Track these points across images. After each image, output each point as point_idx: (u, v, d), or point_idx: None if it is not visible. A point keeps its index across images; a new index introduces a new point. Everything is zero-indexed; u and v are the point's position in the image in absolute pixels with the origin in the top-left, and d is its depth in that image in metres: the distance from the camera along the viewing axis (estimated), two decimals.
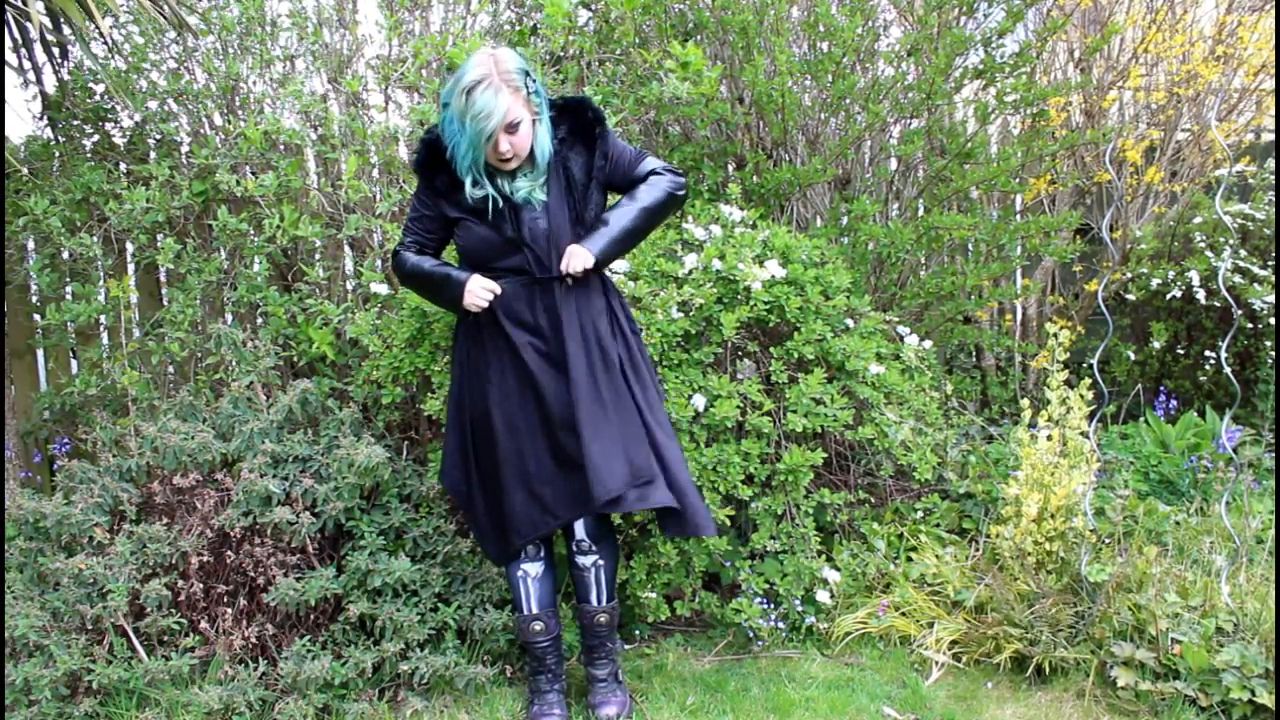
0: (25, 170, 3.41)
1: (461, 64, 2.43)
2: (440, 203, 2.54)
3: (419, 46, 3.38)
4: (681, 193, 2.59)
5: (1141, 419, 4.23)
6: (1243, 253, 4.42)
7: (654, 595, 3.00)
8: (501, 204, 2.47)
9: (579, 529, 2.59)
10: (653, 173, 2.57)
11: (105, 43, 3.38)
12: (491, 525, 2.64)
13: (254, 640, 2.75)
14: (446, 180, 2.51)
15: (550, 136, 2.49)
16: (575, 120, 2.53)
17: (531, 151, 2.46)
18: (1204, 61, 4.19)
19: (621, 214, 2.51)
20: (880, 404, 3.15)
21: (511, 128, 2.37)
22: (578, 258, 2.45)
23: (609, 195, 2.63)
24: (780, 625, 3.07)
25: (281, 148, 3.40)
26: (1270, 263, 4.37)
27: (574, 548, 2.61)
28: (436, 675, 2.76)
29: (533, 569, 2.65)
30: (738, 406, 2.97)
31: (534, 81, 2.42)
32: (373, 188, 3.40)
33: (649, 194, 2.53)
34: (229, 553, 2.82)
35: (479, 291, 2.48)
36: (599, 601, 2.65)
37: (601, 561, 2.62)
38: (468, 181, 2.47)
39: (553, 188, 2.50)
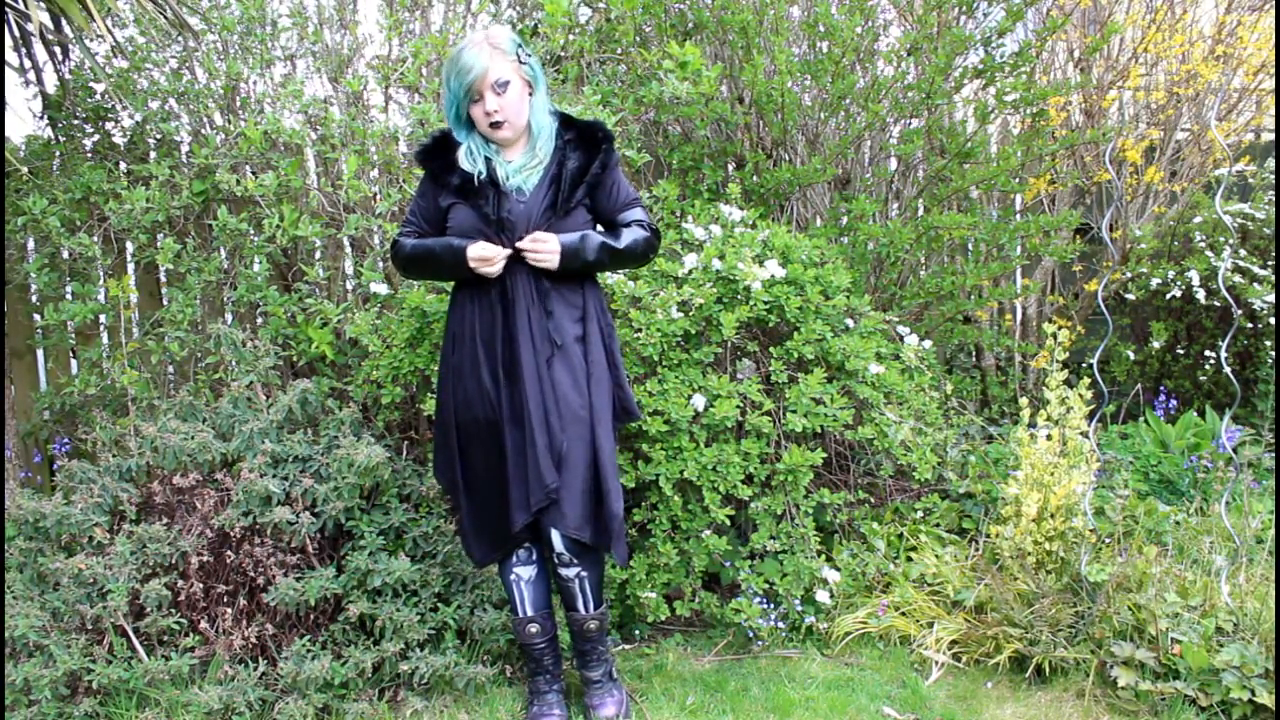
0: (25, 170, 3.41)
1: None
2: (436, 189, 2.56)
3: (419, 46, 3.38)
4: (653, 254, 2.63)
5: (1141, 419, 4.23)
6: (1243, 252, 4.42)
7: (654, 595, 3.00)
8: (486, 180, 2.49)
9: (557, 542, 2.55)
10: (638, 223, 2.58)
11: (106, 43, 3.38)
12: (474, 527, 2.65)
13: (254, 640, 2.75)
14: (442, 163, 2.54)
15: (556, 133, 2.52)
16: (583, 132, 2.55)
17: (530, 130, 2.49)
18: (1204, 61, 4.19)
19: (595, 238, 2.51)
20: (880, 404, 3.15)
21: (498, 88, 2.41)
22: (547, 252, 2.45)
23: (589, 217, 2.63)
24: (780, 625, 3.07)
25: (281, 147, 3.40)
26: (1270, 263, 4.37)
27: (555, 559, 2.59)
28: (436, 675, 2.76)
29: (525, 572, 2.65)
30: (737, 406, 2.97)
31: (527, 54, 2.47)
32: (373, 188, 3.40)
33: (631, 241, 2.54)
34: (229, 553, 2.82)
35: (483, 262, 2.45)
36: (587, 609, 2.64)
37: (584, 573, 2.59)
38: (461, 151, 2.49)
39: (544, 175, 2.51)
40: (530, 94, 2.49)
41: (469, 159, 2.50)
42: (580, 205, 2.54)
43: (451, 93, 2.44)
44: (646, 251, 2.59)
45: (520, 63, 2.45)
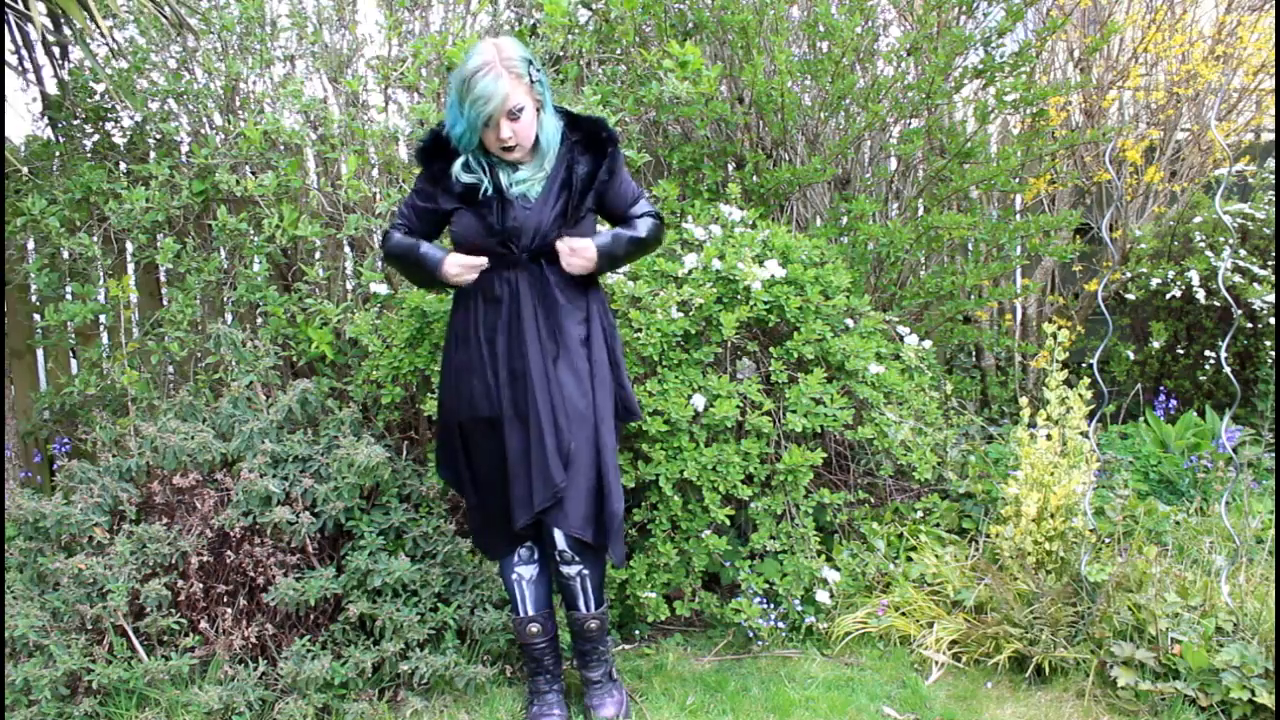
0: (25, 170, 3.41)
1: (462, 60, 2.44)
2: (436, 191, 2.54)
3: (419, 46, 3.38)
4: (663, 238, 2.70)
5: (1141, 419, 4.23)
6: (1242, 252, 4.42)
7: (654, 595, 3.00)
8: (491, 193, 2.47)
9: (559, 540, 2.55)
10: (647, 214, 2.63)
11: (106, 44, 3.38)
12: (483, 521, 2.66)
13: (254, 640, 2.75)
14: (445, 167, 2.51)
15: (560, 134, 2.50)
16: (588, 133, 2.53)
17: (537, 141, 2.47)
18: (1204, 61, 4.19)
19: (623, 235, 2.56)
20: (880, 404, 3.15)
21: (513, 114, 2.37)
22: (582, 257, 2.47)
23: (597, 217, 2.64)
24: (780, 625, 3.07)
25: (281, 147, 3.40)
26: (1270, 263, 4.38)
27: (557, 557, 2.59)
28: (436, 675, 2.76)
29: (527, 572, 2.66)
30: (737, 406, 2.97)
31: (537, 70, 2.43)
32: (372, 188, 3.40)
33: (647, 231, 2.60)
34: (229, 553, 2.82)
35: (457, 270, 2.49)
36: (588, 609, 2.64)
37: (586, 571, 2.59)
38: (457, 164, 2.47)
39: (551, 181, 2.50)
40: (539, 111, 2.45)
41: (469, 172, 2.48)
42: (589, 211, 2.54)
43: (466, 120, 2.37)
44: (659, 237, 2.65)
45: (531, 81, 2.41)
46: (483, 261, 2.47)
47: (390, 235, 2.61)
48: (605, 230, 2.58)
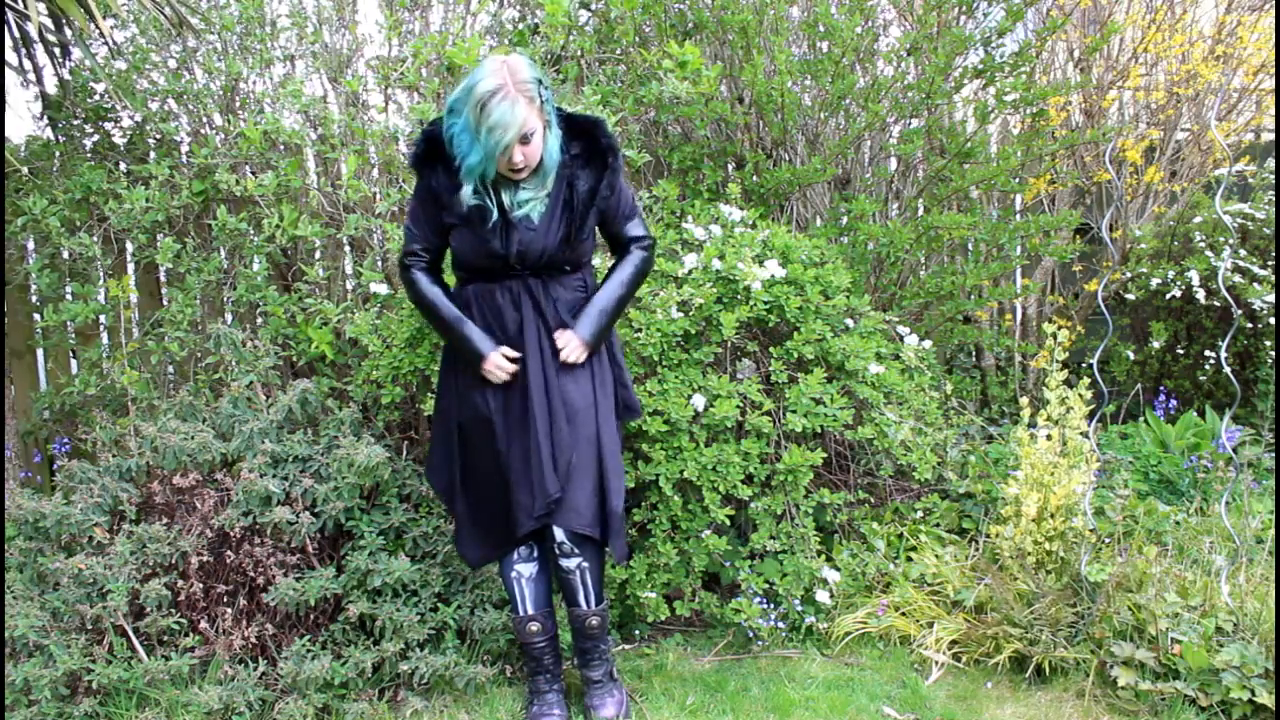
0: (25, 170, 3.42)
1: (465, 67, 2.41)
2: (437, 208, 2.51)
3: (419, 46, 3.38)
4: (651, 265, 2.68)
5: (1141, 419, 4.23)
6: (1242, 252, 4.42)
7: (654, 595, 3.00)
8: (495, 216, 2.45)
9: (558, 532, 2.55)
10: (634, 240, 2.62)
11: (106, 43, 3.38)
12: (473, 527, 2.65)
13: (254, 640, 2.75)
14: (444, 180, 2.47)
15: (561, 148, 2.47)
16: (589, 143, 2.50)
17: (541, 162, 2.44)
18: (1204, 61, 4.19)
19: (607, 296, 2.56)
20: (880, 404, 3.15)
21: (525, 139, 2.34)
22: (574, 349, 2.50)
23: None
24: (780, 625, 3.07)
25: (281, 147, 3.40)
26: (1270, 263, 4.38)
27: (556, 550, 2.59)
28: (436, 675, 2.76)
29: (526, 570, 2.66)
30: (737, 406, 2.97)
31: (546, 90, 2.39)
32: (372, 187, 3.40)
33: (635, 271, 2.61)
34: (229, 553, 2.82)
35: (496, 374, 2.51)
36: (589, 604, 2.64)
37: (586, 564, 2.60)
38: (467, 189, 2.43)
39: (553, 202, 2.47)
40: (545, 129, 2.41)
41: (477, 197, 2.44)
42: (591, 230, 2.54)
43: (484, 149, 2.32)
44: (647, 271, 2.66)
45: (541, 102, 2.37)
46: (516, 369, 2.51)
47: (416, 277, 2.57)
48: (586, 313, 2.54)
